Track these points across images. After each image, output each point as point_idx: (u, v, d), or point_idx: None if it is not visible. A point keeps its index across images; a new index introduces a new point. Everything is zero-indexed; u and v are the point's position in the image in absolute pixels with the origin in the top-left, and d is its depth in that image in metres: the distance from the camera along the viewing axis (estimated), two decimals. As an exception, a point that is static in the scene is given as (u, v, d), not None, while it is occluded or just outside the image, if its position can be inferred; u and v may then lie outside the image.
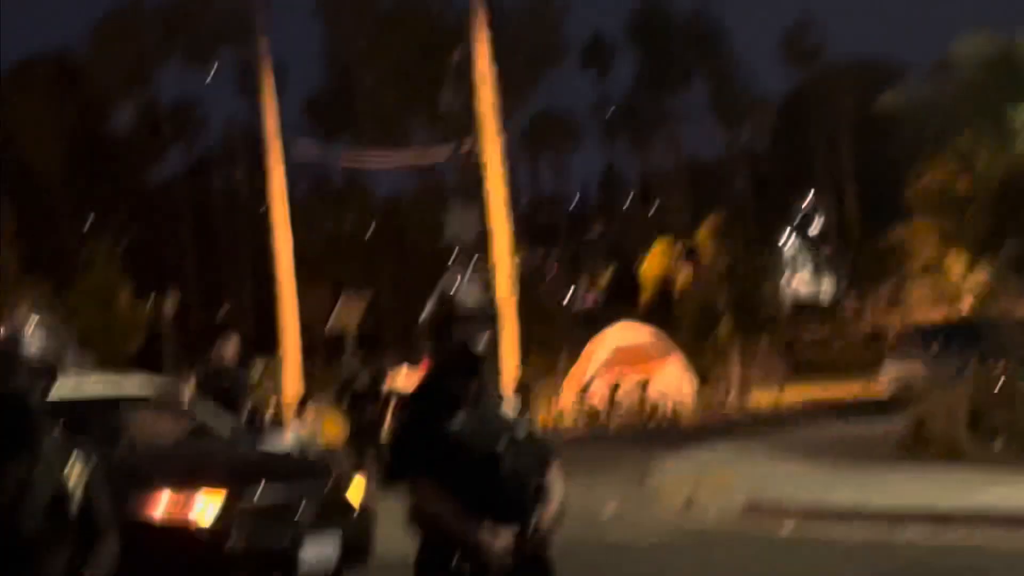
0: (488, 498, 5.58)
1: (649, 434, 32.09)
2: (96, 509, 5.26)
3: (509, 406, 5.88)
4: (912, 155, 58.26)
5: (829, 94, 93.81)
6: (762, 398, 39.74)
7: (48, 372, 5.31)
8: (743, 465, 20.42)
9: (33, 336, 4.69)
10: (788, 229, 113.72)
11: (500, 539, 5.51)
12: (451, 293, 7.48)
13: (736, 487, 17.67)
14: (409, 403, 5.89)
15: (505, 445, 5.66)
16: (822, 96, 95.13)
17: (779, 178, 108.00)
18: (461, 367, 5.73)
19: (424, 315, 7.29)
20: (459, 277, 7.98)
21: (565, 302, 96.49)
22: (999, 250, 23.13)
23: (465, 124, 49.12)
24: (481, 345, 5.76)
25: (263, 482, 11.32)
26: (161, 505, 10.79)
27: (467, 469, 5.60)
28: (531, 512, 5.63)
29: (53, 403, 5.67)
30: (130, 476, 11.11)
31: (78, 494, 5.21)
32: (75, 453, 5.29)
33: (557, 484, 5.81)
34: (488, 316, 5.91)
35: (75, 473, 5.23)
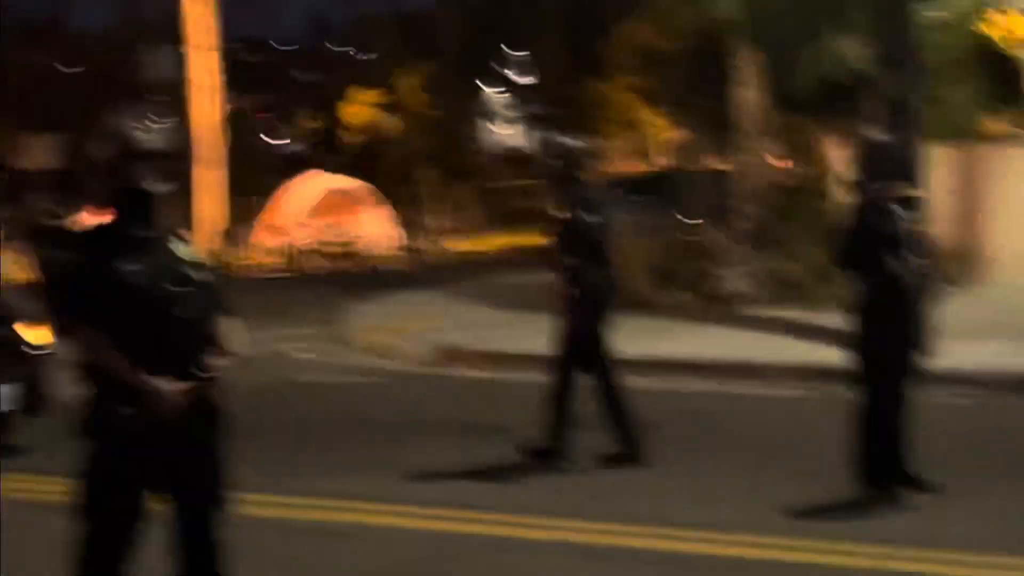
0: (156, 344, 5.46)
1: (348, 278, 32.11)
2: None
3: (188, 250, 5.70)
4: (617, 11, 58.88)
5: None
6: (462, 245, 40.14)
7: None
8: (438, 311, 20.65)
9: None
10: (494, 79, 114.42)
11: (166, 388, 5.41)
12: (129, 131, 7.16)
13: (430, 332, 17.87)
14: (78, 245, 5.65)
15: (177, 290, 5.53)
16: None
17: (487, 29, 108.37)
18: (135, 207, 5.55)
19: (96, 152, 6.93)
20: (140, 115, 7.66)
21: (269, 146, 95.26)
22: (693, 107, 23.68)
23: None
24: (158, 185, 5.57)
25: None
26: None
27: (135, 314, 5.44)
28: (201, 359, 5.53)
29: None
30: None
31: None
32: None
33: (234, 331, 5.72)
34: (168, 154, 5.67)
35: None
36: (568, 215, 10.04)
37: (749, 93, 19.08)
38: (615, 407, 10.15)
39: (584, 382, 10.20)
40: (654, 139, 59.90)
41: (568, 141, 10.45)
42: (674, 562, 7.71)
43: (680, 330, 16.88)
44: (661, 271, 19.69)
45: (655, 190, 35.59)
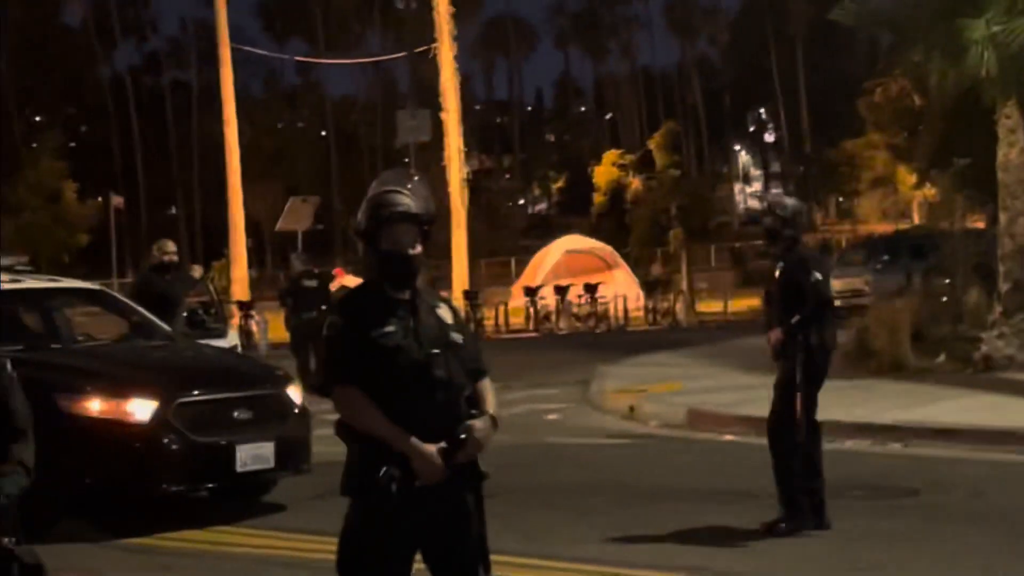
0: (418, 406, 5.46)
1: (596, 340, 32.18)
2: (12, 410, 5.15)
3: (447, 311, 5.72)
4: (866, 69, 57.89)
5: (784, 4, 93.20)
6: (710, 307, 39.89)
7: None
8: (687, 374, 20.49)
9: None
10: (740, 140, 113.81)
11: (428, 449, 5.41)
12: (384, 195, 7.29)
13: (679, 396, 17.73)
14: (338, 309, 5.71)
15: (437, 351, 5.53)
16: (777, 6, 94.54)
17: (732, 89, 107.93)
18: (393, 269, 5.59)
19: (356, 218, 7.08)
20: (396, 180, 7.77)
21: (517, 207, 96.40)
22: (949, 165, 23.11)
23: (419, 28, 48.72)
24: (413, 248, 5.60)
25: (200, 382, 11.26)
26: (98, 401, 10.71)
27: (396, 376, 5.46)
28: (462, 420, 5.52)
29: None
30: (69, 372, 11.08)
31: None
32: None
33: (489, 393, 5.70)
34: (423, 219, 5.68)
35: None
36: (781, 274, 9.90)
37: (1012, 150, 18.50)
38: (808, 470, 9.92)
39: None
40: (907, 197, 58.90)
41: (786, 200, 10.36)
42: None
43: (937, 394, 16.39)
44: (917, 334, 19.19)
45: (909, 250, 34.88)
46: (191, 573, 9.36)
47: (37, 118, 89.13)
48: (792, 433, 9.86)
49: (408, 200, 5.63)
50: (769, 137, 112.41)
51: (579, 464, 13.69)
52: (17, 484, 5.09)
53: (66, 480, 10.18)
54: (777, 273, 10.00)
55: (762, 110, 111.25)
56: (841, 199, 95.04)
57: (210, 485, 11.17)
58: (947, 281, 21.81)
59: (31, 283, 12.89)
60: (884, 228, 58.60)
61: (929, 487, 11.47)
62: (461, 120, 42.34)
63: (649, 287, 39.31)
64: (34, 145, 76.83)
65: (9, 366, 5.21)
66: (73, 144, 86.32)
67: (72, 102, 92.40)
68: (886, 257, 36.99)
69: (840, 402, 16.22)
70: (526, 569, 8.76)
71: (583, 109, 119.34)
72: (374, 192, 5.67)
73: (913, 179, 50.48)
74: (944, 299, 21.08)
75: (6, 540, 4.98)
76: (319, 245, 65.06)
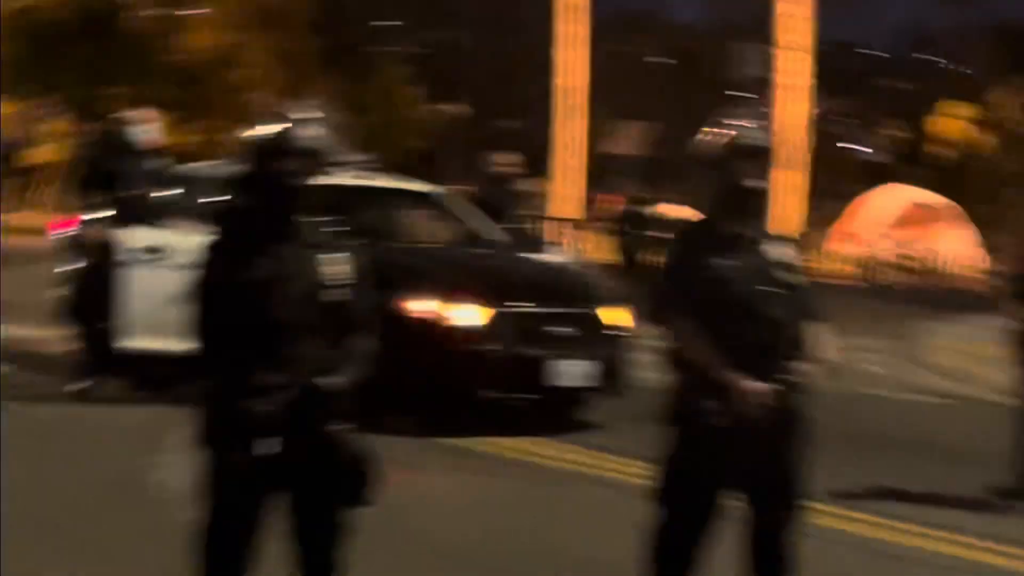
0: (744, 342, 5.41)
1: (923, 295, 31.35)
2: (354, 303, 5.13)
3: (782, 251, 5.65)
4: None
5: None
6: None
7: (317, 160, 5.16)
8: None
9: (307, 125, 4.59)
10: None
11: (751, 387, 5.36)
12: (736, 127, 7.23)
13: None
14: (678, 240, 5.71)
15: (769, 290, 5.46)
16: None
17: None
18: (735, 203, 5.54)
19: (698, 146, 7.00)
20: (742, 113, 7.65)
21: (850, 152, 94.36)
22: None
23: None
24: (759, 184, 5.54)
25: (526, 293, 11.38)
26: (427, 305, 10.92)
27: (725, 311, 5.42)
28: (788, 361, 5.46)
29: (328, 188, 5.45)
30: (401, 273, 11.33)
31: (337, 286, 5.07)
32: (339, 245, 5.15)
33: (821, 336, 5.61)
34: (769, 153, 5.63)
35: (336, 265, 5.08)
36: None
37: None
38: None
39: None
40: None
41: None
42: None
43: None
44: None
45: None
46: (508, 480, 9.51)
47: (382, 24, 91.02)
48: None
49: (761, 135, 5.61)
50: None
51: (900, 420, 13.38)
52: (351, 374, 5.17)
53: (393, 377, 10.39)
54: None
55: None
56: None
57: (525, 396, 11.30)
58: None
59: (379, 182, 13.25)
60: None
61: None
62: (809, 59, 41.66)
63: (990, 247, 38.06)
64: (380, 50, 78.61)
65: (360, 254, 5.21)
66: (415, 52, 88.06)
67: (417, 9, 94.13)
68: None
69: None
70: (834, 518, 8.62)
71: (931, 58, 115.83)
72: (728, 125, 5.63)
73: None
74: None
75: (339, 426, 5.09)
76: (650, 171, 65.08)
